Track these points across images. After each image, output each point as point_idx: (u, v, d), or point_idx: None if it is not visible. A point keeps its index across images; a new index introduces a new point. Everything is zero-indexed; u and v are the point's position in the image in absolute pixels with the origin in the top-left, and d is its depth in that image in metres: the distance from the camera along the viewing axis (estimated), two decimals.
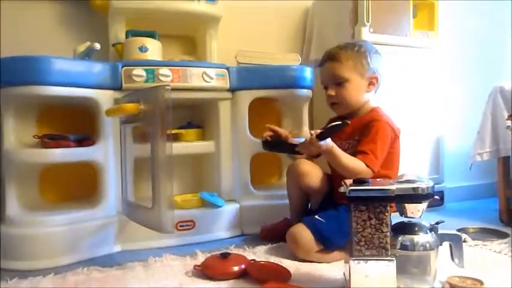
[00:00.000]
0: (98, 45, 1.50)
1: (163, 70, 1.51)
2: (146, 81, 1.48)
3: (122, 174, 1.49)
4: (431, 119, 2.03)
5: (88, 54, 1.51)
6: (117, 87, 1.48)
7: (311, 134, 1.23)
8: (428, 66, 2.00)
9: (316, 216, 1.34)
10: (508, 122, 1.68)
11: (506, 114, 1.69)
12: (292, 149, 1.34)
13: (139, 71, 1.48)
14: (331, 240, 1.28)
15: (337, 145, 1.30)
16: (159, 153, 1.18)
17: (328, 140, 1.23)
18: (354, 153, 1.30)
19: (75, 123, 1.59)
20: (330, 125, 1.23)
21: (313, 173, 1.42)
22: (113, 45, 1.66)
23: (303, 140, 1.29)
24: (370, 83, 1.40)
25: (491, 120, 1.74)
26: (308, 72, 1.77)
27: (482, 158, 1.74)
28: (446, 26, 2.09)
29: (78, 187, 1.63)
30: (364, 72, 1.38)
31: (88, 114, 1.54)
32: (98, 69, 1.45)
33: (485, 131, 1.75)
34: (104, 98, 1.46)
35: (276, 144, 1.42)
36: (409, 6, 1.92)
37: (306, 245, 1.28)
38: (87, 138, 1.51)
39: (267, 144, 1.43)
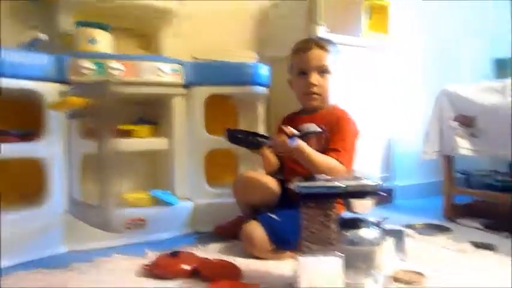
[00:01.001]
0: (43, 36, 1.43)
1: (114, 63, 1.46)
2: (95, 74, 1.42)
3: (68, 171, 1.42)
4: (383, 119, 2.09)
5: (33, 45, 1.43)
6: (64, 80, 1.41)
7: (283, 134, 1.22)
8: (381, 67, 2.06)
9: (273, 215, 1.31)
10: (453, 123, 1.77)
11: (451, 116, 1.77)
12: (258, 146, 1.32)
13: (87, 64, 1.42)
14: (287, 241, 1.25)
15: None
16: (106, 149, 1.14)
17: (299, 141, 1.23)
18: (324, 150, 1.31)
19: (19, 117, 1.50)
20: (306, 130, 1.25)
21: (262, 188, 1.40)
22: (61, 36, 1.58)
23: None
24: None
25: (438, 121, 1.82)
26: (265, 70, 1.77)
27: (430, 157, 1.82)
28: (401, 28, 2.16)
29: (22, 185, 1.54)
30: (333, 69, 1.42)
31: (33, 108, 1.46)
32: (42, 60, 1.37)
33: (432, 131, 1.83)
34: (49, 91, 1.38)
35: (242, 139, 1.35)
36: (363, 8, 1.97)
37: (260, 243, 1.26)
38: (31, 134, 1.43)
39: (232, 136, 1.35)
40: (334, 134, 1.34)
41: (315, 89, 1.40)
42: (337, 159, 1.27)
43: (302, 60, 1.41)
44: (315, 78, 1.39)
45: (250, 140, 1.34)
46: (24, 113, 1.50)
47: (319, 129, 1.27)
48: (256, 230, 1.28)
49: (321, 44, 1.41)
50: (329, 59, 1.40)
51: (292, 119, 1.52)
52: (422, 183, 2.39)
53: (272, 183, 1.42)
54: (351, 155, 1.31)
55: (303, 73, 1.41)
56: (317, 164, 1.25)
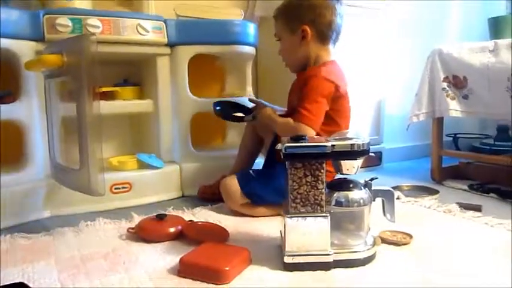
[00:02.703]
0: None
1: (92, 20, 1.38)
2: (72, 32, 1.35)
3: (48, 135, 1.37)
4: (373, 81, 2.05)
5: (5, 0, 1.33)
6: (39, 38, 1.34)
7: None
8: (372, 28, 1.99)
9: (250, 171, 1.39)
10: (444, 84, 1.74)
11: (442, 76, 1.74)
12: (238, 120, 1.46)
13: (64, 20, 1.34)
14: (258, 195, 1.31)
15: (289, 100, 1.36)
16: (86, 110, 1.08)
17: (265, 110, 1.35)
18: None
19: None
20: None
21: None
22: None
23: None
24: (303, 37, 1.30)
25: (429, 82, 1.78)
26: (252, 29, 1.70)
27: (419, 119, 1.80)
28: None
29: (2, 149, 1.48)
30: (294, 26, 1.31)
31: (9, 69, 1.39)
32: (15, 16, 1.29)
33: (423, 92, 1.79)
34: (24, 49, 1.32)
35: (225, 116, 1.48)
36: None
37: (233, 195, 1.32)
38: (8, 95, 1.36)
39: (218, 111, 1.46)
40: (302, 93, 1.27)
41: (283, 58, 1.41)
42: (300, 122, 1.21)
43: None
44: (280, 49, 1.39)
45: (232, 117, 1.48)
46: None
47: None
48: (231, 183, 1.34)
49: (275, 13, 1.37)
50: (280, 25, 1.35)
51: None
52: (409, 146, 2.40)
53: None
54: (313, 113, 1.22)
55: None
56: (282, 130, 1.25)
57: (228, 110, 1.48)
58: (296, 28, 1.31)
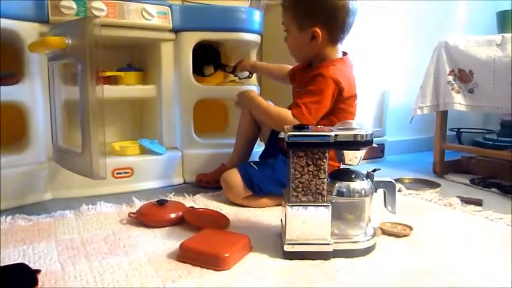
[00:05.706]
0: None
1: (97, 3, 1.36)
2: (77, 14, 1.33)
3: (51, 117, 1.37)
4: (377, 73, 2.03)
5: None
6: (43, 20, 1.32)
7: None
8: (377, 19, 1.97)
9: (251, 163, 1.36)
10: (449, 77, 1.72)
11: (448, 70, 1.72)
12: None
13: (68, 3, 1.32)
14: (261, 187, 1.29)
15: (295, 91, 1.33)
16: (89, 94, 1.08)
17: (253, 91, 1.43)
18: None
19: None
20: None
21: None
22: None
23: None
24: (313, 37, 1.23)
25: (434, 75, 1.77)
26: (257, 16, 1.69)
27: (423, 112, 1.79)
28: None
29: (4, 131, 1.48)
30: (303, 24, 1.22)
31: (12, 50, 1.38)
32: None
33: (428, 85, 1.78)
34: (28, 31, 1.30)
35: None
36: None
37: (236, 189, 1.30)
38: (11, 76, 1.35)
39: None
40: (306, 89, 1.23)
41: (289, 50, 1.33)
42: (292, 113, 1.19)
43: None
44: (286, 38, 1.30)
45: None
46: (1, 55, 1.42)
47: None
48: (233, 176, 1.31)
49: (283, 0, 1.27)
50: (288, 17, 1.25)
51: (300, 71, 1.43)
52: (412, 139, 2.39)
53: None
54: (312, 114, 1.19)
55: None
56: (268, 113, 1.28)
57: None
58: (306, 27, 1.22)
